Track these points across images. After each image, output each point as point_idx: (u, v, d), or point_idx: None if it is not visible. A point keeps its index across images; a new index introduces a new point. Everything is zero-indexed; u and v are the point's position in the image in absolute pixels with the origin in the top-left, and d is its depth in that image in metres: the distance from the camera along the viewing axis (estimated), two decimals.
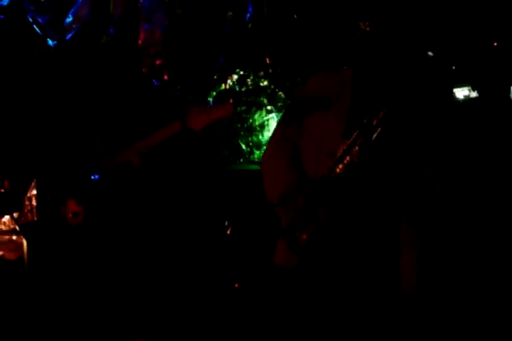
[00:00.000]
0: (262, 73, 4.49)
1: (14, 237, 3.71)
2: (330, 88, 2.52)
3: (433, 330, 2.63)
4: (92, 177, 3.02)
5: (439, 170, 2.40)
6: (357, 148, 2.32)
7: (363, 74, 2.49)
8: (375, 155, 2.32)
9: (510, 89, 3.56)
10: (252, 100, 4.51)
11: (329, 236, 2.36)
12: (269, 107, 4.55)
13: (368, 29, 4.41)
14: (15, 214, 3.74)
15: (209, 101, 4.32)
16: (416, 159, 2.37)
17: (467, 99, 3.67)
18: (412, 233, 2.37)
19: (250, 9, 4.34)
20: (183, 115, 2.99)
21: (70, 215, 2.99)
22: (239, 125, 4.49)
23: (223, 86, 4.43)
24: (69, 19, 3.97)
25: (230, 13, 4.31)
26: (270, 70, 4.49)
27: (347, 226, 2.35)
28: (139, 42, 4.09)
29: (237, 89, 4.47)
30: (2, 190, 3.64)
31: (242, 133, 4.51)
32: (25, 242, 3.32)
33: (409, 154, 2.37)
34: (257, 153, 4.55)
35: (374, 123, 2.33)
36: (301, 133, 2.47)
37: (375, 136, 2.32)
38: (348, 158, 2.33)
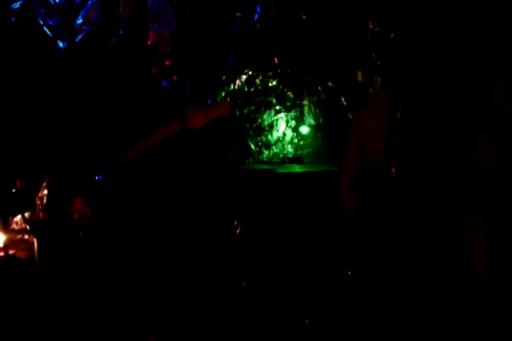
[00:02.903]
0: (270, 73, 4.50)
1: (26, 236, 3.77)
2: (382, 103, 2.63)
3: (505, 317, 2.60)
4: (96, 177, 3.05)
5: (493, 148, 2.45)
6: (394, 148, 2.39)
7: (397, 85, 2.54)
8: (412, 150, 2.39)
9: None
10: (260, 100, 4.53)
11: (399, 234, 2.42)
12: (277, 107, 4.57)
13: (376, 29, 4.43)
14: (26, 214, 3.80)
15: (218, 101, 4.34)
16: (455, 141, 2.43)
17: None
18: (480, 218, 2.42)
19: (258, 10, 4.35)
20: (183, 114, 3.01)
21: (76, 215, 3.03)
22: (248, 125, 4.51)
23: (232, 86, 4.45)
24: (79, 21, 4.00)
25: (239, 14, 4.32)
26: (279, 70, 4.50)
27: (413, 222, 2.41)
28: (148, 43, 4.12)
29: (246, 89, 4.49)
30: (14, 190, 3.69)
31: (251, 133, 4.53)
32: (36, 241, 3.36)
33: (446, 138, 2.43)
34: (265, 152, 4.57)
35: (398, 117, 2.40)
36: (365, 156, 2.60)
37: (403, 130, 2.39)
38: (391, 160, 2.40)
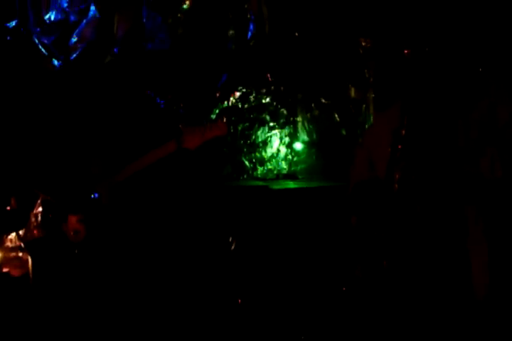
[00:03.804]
0: (264, 90, 4.54)
1: (20, 254, 3.76)
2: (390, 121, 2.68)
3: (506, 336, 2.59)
4: (92, 195, 3.06)
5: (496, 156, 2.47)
6: (398, 163, 2.43)
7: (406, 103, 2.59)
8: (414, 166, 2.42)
9: None
10: (254, 117, 4.55)
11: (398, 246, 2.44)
12: (271, 124, 4.59)
13: (368, 46, 4.48)
14: (20, 232, 3.79)
15: (211, 118, 4.37)
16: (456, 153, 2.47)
17: None
18: (480, 235, 2.43)
19: (252, 27, 4.39)
20: (179, 135, 3.04)
21: (72, 233, 3.04)
22: (242, 141, 4.54)
23: (226, 103, 4.48)
24: (74, 39, 4.03)
25: (232, 32, 4.36)
26: (272, 87, 4.53)
27: (412, 236, 2.43)
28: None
29: (240, 106, 4.52)
30: (8, 208, 3.69)
31: (245, 149, 4.55)
32: (30, 259, 3.36)
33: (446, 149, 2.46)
34: (260, 169, 4.59)
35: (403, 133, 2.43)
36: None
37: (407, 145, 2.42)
38: (395, 175, 2.43)
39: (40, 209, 3.71)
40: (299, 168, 4.63)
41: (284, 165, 4.62)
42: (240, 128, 4.53)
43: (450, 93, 2.67)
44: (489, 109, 2.60)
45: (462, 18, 3.48)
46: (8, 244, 3.83)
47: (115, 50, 4.07)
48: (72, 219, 3.04)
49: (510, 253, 2.59)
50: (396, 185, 2.43)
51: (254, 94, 4.54)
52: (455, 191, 2.48)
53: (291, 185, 4.38)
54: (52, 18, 4.03)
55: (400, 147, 2.45)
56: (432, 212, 2.46)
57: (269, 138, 4.59)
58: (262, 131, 4.58)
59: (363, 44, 4.50)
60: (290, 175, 4.59)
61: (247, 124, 4.54)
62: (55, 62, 4.02)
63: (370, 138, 2.77)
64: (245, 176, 4.55)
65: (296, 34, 4.48)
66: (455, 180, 2.50)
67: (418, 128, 2.50)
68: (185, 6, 4.24)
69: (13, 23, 3.98)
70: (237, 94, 4.51)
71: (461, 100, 2.66)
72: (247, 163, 4.57)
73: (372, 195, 2.59)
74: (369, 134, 2.84)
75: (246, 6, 4.40)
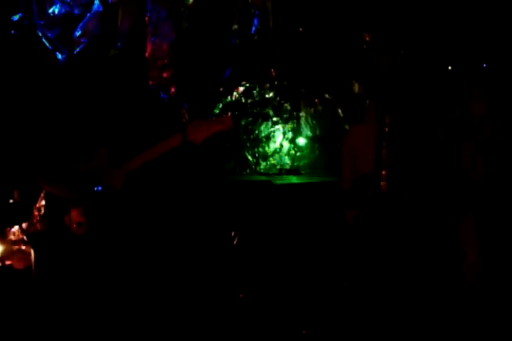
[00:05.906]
0: (267, 85, 4.54)
1: (23, 247, 3.77)
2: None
3: (498, 321, 2.62)
4: (95, 188, 3.06)
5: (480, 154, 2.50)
6: (384, 161, 2.44)
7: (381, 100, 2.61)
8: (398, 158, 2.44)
9: None
10: (257, 112, 4.56)
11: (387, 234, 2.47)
12: (274, 119, 4.60)
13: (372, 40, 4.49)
14: (23, 225, 3.80)
15: (215, 112, 4.37)
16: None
17: None
18: (470, 225, 2.46)
19: (256, 22, 4.40)
20: (184, 128, 3.02)
21: (74, 225, 3.04)
22: (245, 136, 4.54)
23: (229, 98, 4.48)
24: (77, 33, 4.04)
25: (236, 26, 4.36)
26: (276, 82, 4.54)
27: (405, 231, 2.46)
28: (146, 55, 4.15)
29: (243, 101, 4.52)
30: (11, 201, 3.70)
31: (248, 144, 4.56)
32: (32, 252, 3.37)
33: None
34: (263, 164, 4.59)
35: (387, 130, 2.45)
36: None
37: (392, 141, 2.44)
38: (381, 173, 2.45)
39: (43, 202, 3.71)
40: (301, 163, 4.64)
41: (287, 160, 4.63)
42: (243, 123, 4.53)
43: (427, 91, 2.70)
44: (463, 106, 2.64)
45: (438, 20, 3.50)
46: (12, 237, 3.84)
47: (119, 44, 4.07)
48: (75, 212, 3.04)
49: (501, 247, 2.61)
50: (384, 183, 2.45)
51: (257, 89, 4.54)
52: (442, 187, 2.51)
53: (293, 180, 4.39)
54: (56, 11, 4.03)
55: (384, 145, 2.46)
56: (421, 207, 2.48)
57: (272, 133, 4.60)
58: (266, 126, 4.59)
59: (367, 39, 4.50)
60: (293, 170, 4.59)
61: (251, 119, 4.55)
62: (59, 56, 4.02)
63: (352, 137, 2.78)
64: (248, 171, 4.56)
65: (300, 29, 4.48)
66: (441, 176, 2.53)
67: (401, 126, 2.52)
68: (189, 0, 4.25)
69: (17, 17, 3.98)
70: (241, 88, 4.51)
71: (438, 98, 2.69)
72: (250, 157, 4.57)
73: (360, 193, 2.61)
74: (351, 133, 2.84)
75: (250, 1, 4.40)
